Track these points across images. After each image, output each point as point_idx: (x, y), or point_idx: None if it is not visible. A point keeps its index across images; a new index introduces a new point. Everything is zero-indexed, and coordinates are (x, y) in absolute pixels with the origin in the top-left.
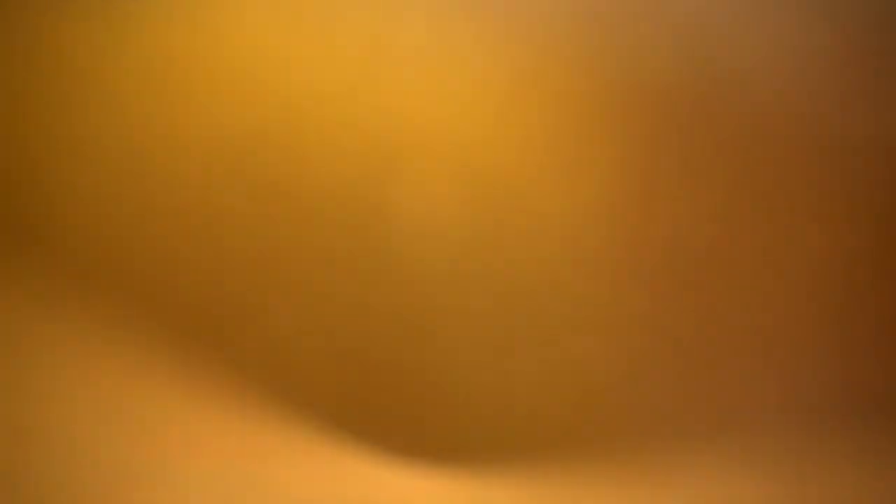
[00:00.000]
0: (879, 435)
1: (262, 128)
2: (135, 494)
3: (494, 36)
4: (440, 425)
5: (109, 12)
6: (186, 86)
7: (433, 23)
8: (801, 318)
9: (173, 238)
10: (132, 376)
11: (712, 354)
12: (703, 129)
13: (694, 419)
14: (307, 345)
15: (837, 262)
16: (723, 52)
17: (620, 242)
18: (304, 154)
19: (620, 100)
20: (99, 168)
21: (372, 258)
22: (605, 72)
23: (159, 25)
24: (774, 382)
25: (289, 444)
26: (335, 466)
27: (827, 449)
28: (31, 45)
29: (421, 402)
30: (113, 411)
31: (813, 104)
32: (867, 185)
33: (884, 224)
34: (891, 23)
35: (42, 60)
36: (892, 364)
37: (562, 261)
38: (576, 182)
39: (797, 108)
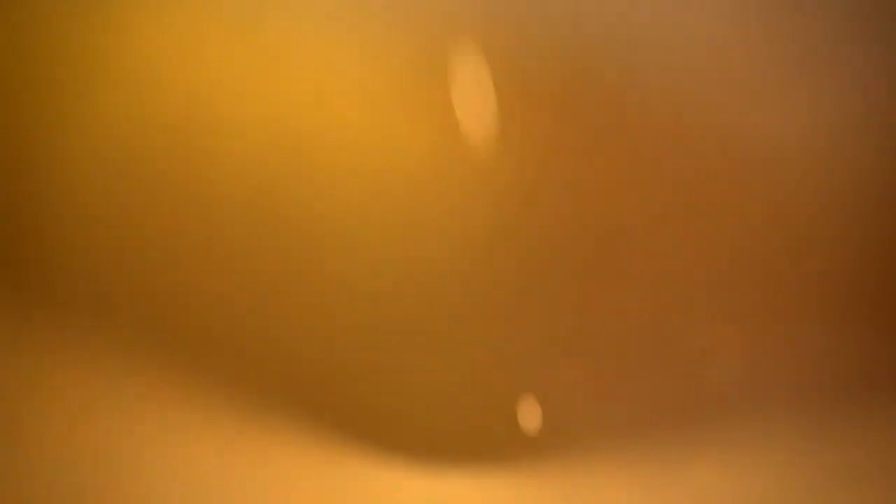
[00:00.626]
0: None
1: (166, 127)
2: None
3: (399, 37)
4: (323, 417)
5: (15, 10)
6: (88, 84)
7: (338, 23)
8: (691, 315)
9: (72, 232)
10: (116, 375)
11: (600, 348)
12: (597, 121)
13: (592, 410)
14: (213, 348)
15: (726, 254)
16: (619, 44)
17: (519, 235)
18: (208, 154)
19: (512, 94)
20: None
21: (276, 257)
22: (498, 67)
23: (63, 20)
24: (665, 381)
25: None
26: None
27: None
28: None
29: (317, 398)
30: (114, 415)
31: (711, 97)
32: (768, 178)
33: (777, 218)
34: (792, 7)
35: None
36: (792, 362)
37: (462, 254)
38: (470, 177)
39: (695, 100)
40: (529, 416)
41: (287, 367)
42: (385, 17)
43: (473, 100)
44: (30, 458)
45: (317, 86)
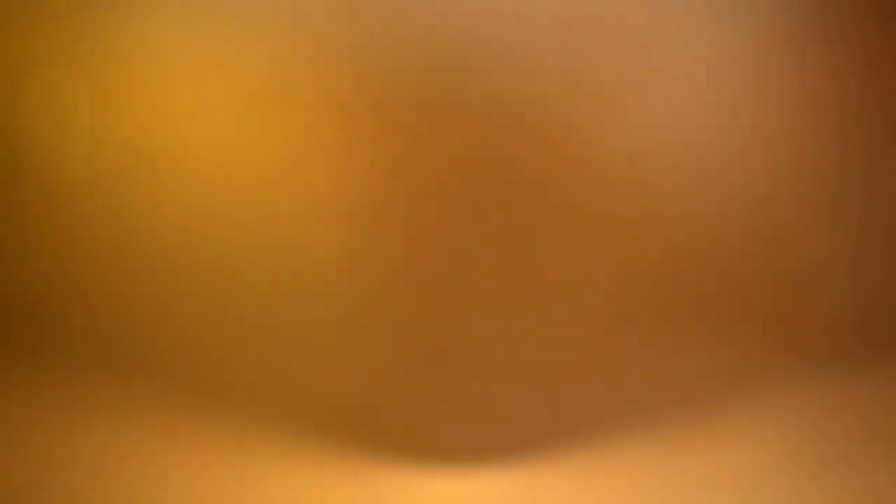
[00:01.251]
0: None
1: (17, 127)
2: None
3: (251, 38)
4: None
5: None
6: None
7: (191, 23)
8: (564, 330)
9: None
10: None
11: (467, 363)
12: (461, 131)
13: (446, 420)
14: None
15: (602, 265)
16: (480, 53)
17: (380, 244)
18: (65, 162)
19: (375, 103)
20: None
21: (133, 261)
22: (361, 75)
23: None
24: (544, 392)
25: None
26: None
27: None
28: None
29: (173, 400)
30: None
31: (584, 104)
32: (642, 184)
33: (656, 224)
34: (664, 6)
35: None
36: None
37: (325, 263)
38: (335, 184)
39: (567, 107)
40: None
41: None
42: (236, 30)
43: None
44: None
45: (167, 99)
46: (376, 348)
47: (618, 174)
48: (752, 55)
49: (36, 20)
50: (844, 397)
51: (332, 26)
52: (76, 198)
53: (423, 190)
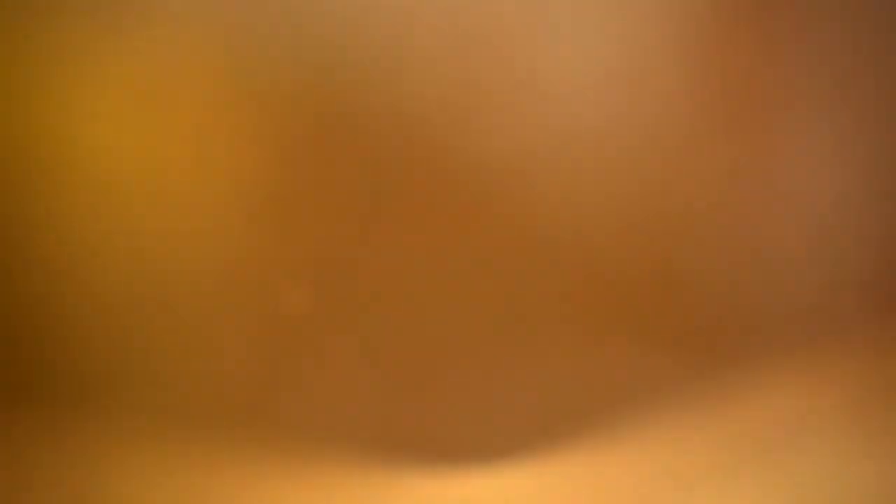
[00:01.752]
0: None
1: None
2: None
3: (139, 37)
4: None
5: None
6: None
7: (77, 24)
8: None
9: None
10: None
11: (353, 361)
12: (351, 131)
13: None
14: None
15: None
16: (371, 55)
17: (271, 244)
18: None
19: (264, 103)
20: None
21: (17, 269)
22: (252, 75)
23: None
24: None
25: None
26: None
27: None
28: None
29: (69, 404)
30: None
31: (468, 104)
32: (521, 187)
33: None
34: (542, 6)
35: None
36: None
37: (207, 267)
38: (226, 184)
39: (450, 110)
40: None
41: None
42: (123, 30)
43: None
44: None
45: (52, 99)
46: (268, 348)
47: (505, 174)
48: (640, 55)
49: None
50: (730, 400)
51: (221, 28)
52: None
53: (314, 190)
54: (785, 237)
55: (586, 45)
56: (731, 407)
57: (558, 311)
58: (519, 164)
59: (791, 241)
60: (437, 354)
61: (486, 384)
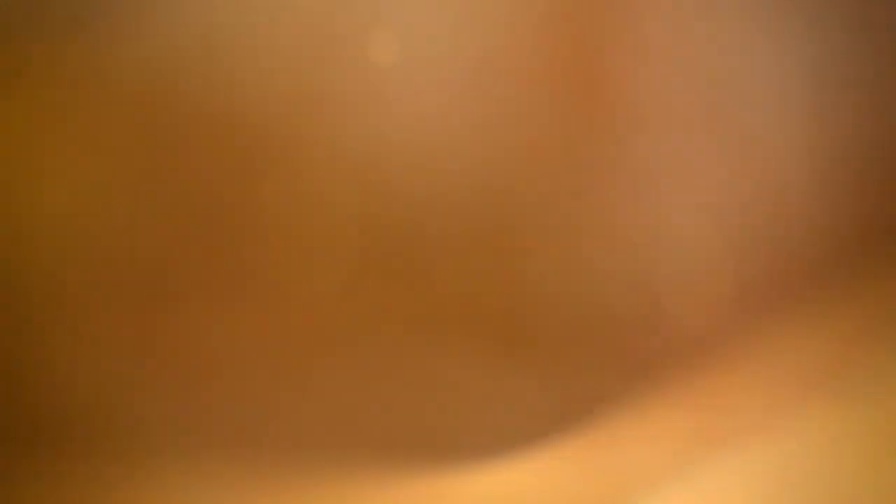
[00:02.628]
0: None
1: None
2: None
3: None
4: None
5: None
6: None
7: None
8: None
9: None
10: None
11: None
12: (204, 132)
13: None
14: None
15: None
16: (223, 57)
17: (126, 244)
18: None
19: (116, 102)
20: None
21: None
22: (102, 76)
23: None
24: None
25: None
26: None
27: None
28: None
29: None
30: None
31: (318, 108)
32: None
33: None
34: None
35: None
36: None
37: (80, 263)
38: (81, 187)
39: (298, 113)
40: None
41: None
42: None
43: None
44: None
45: None
46: (116, 351)
47: (354, 176)
48: (485, 59)
49: None
50: (566, 404)
51: (76, 27)
52: None
53: (164, 191)
54: (651, 238)
55: (434, 43)
56: (578, 415)
57: (398, 316)
58: (363, 165)
59: (656, 241)
60: (267, 359)
61: (321, 388)
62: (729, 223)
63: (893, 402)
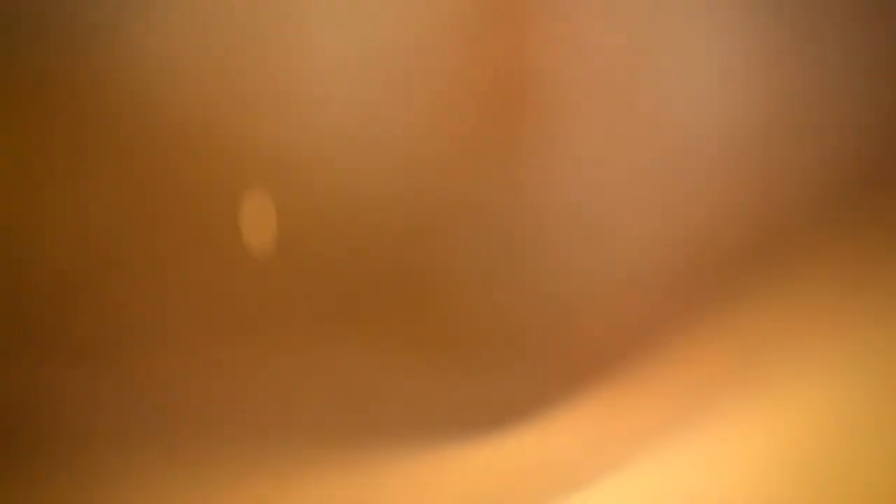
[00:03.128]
0: None
1: None
2: None
3: None
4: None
5: None
6: None
7: None
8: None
9: None
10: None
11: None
12: (105, 130)
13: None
14: None
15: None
16: (133, 55)
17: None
18: None
19: (14, 101)
20: None
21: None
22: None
23: None
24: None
25: None
26: None
27: None
28: None
29: None
30: None
31: (230, 102)
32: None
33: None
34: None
35: None
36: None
37: None
38: None
39: (209, 108)
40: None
41: None
42: None
43: None
44: None
45: None
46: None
47: (265, 170)
48: (414, 57)
49: None
50: (479, 401)
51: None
52: None
53: (62, 189)
54: (582, 233)
55: (367, 41)
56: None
57: (283, 313)
58: (282, 161)
59: (587, 237)
60: (151, 352)
61: (206, 385)
62: (660, 216)
63: (818, 393)
